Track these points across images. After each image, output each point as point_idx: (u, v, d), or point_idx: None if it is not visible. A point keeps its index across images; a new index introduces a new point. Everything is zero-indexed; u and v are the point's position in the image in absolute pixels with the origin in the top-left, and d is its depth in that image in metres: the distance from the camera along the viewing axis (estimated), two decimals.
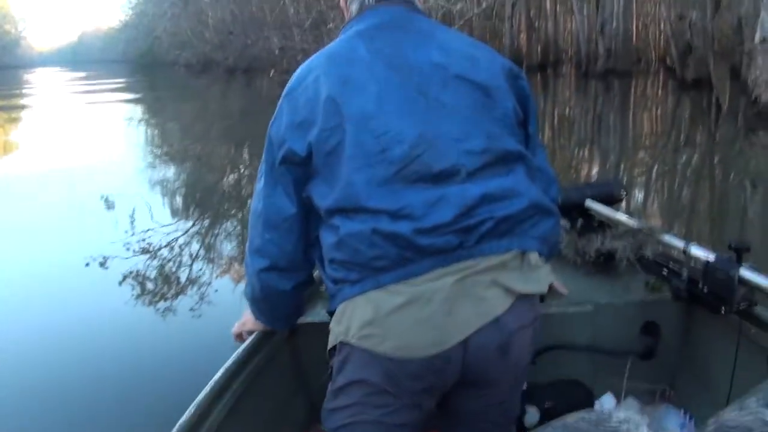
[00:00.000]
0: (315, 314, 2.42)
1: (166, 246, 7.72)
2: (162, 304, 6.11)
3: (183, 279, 6.75)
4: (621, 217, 2.77)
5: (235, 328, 2.29)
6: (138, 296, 6.30)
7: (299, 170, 1.76)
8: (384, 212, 1.63)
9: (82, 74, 63.30)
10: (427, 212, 1.62)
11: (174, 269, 7.06)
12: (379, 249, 1.62)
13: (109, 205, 9.41)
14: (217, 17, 49.88)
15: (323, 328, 1.79)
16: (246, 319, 2.24)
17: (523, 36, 39.29)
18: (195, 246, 7.83)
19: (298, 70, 1.83)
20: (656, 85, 27.00)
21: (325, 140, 1.68)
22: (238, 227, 8.57)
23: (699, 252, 2.33)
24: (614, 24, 29.51)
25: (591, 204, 2.84)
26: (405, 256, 1.62)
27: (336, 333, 1.72)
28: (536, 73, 33.70)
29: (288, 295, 1.96)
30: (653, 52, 38.12)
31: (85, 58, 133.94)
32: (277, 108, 1.82)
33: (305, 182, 1.78)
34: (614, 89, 25.65)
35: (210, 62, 51.66)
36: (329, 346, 1.75)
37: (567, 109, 20.85)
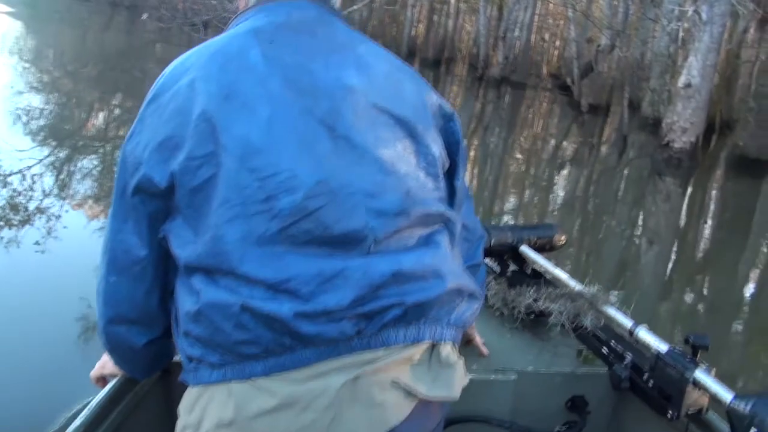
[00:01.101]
0: None
1: (17, 173, 7.53)
2: (6, 234, 5.98)
3: (32, 210, 6.62)
4: (560, 274, 2.47)
5: (94, 371, 1.83)
6: None
7: (158, 203, 1.34)
8: (260, 283, 1.25)
9: None
10: (318, 291, 1.26)
11: (23, 200, 6.89)
12: (247, 333, 1.26)
13: None
14: None
15: None
16: (105, 361, 1.79)
17: (421, 27, 38.78)
18: (48, 179, 7.66)
19: (170, 68, 1.39)
20: (550, 102, 26.78)
21: (193, 172, 1.28)
22: (97, 168, 8.53)
23: (649, 338, 2.08)
24: (516, 33, 28.93)
25: (526, 250, 2.57)
26: (283, 343, 1.26)
27: (184, 422, 1.36)
28: (430, 69, 32.93)
29: (142, 351, 1.53)
30: (546, 68, 38.04)
31: None
32: (137, 117, 1.37)
33: (164, 218, 1.36)
34: (506, 99, 25.09)
35: None
36: None
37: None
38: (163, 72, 1.40)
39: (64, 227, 6.27)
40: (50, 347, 4.23)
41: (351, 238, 1.31)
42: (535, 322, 2.44)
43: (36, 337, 4.32)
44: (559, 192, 11.47)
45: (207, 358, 1.31)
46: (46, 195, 7.09)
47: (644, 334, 2.10)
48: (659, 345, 2.03)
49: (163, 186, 1.32)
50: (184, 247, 1.33)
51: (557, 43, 41.05)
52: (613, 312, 2.27)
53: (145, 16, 22.16)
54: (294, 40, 1.41)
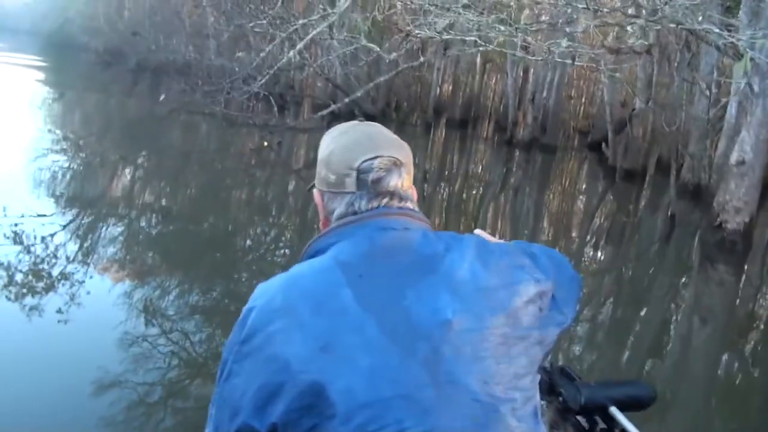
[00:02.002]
0: None
1: (40, 239, 7.58)
2: (29, 301, 5.97)
3: (54, 276, 6.64)
4: None
5: None
6: (3, 288, 6.19)
7: None
8: None
9: None
10: None
11: (46, 265, 6.91)
12: None
13: None
14: (134, 8, 48.10)
15: None
16: None
17: (446, 87, 38.30)
18: (71, 244, 7.69)
19: (258, 305, 1.41)
20: (582, 164, 25.96)
21: (294, 424, 1.30)
22: (121, 234, 8.66)
23: None
24: (544, 94, 28.15)
25: (615, 412, 2.24)
26: None
27: None
28: (456, 130, 32.63)
29: None
30: (573, 126, 37.30)
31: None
32: (230, 353, 1.40)
33: None
34: (536, 163, 24.27)
35: (120, 55, 49.50)
36: None
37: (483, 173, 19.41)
38: (251, 305, 1.41)
39: (87, 293, 6.33)
40: (70, 418, 4.34)
41: None
42: None
43: (56, 407, 4.41)
44: (601, 279, 10.54)
45: None
46: (69, 261, 7.10)
47: None
48: None
49: None
50: None
51: (583, 99, 40.41)
52: None
53: (162, 97, 21.98)
54: (383, 272, 1.41)
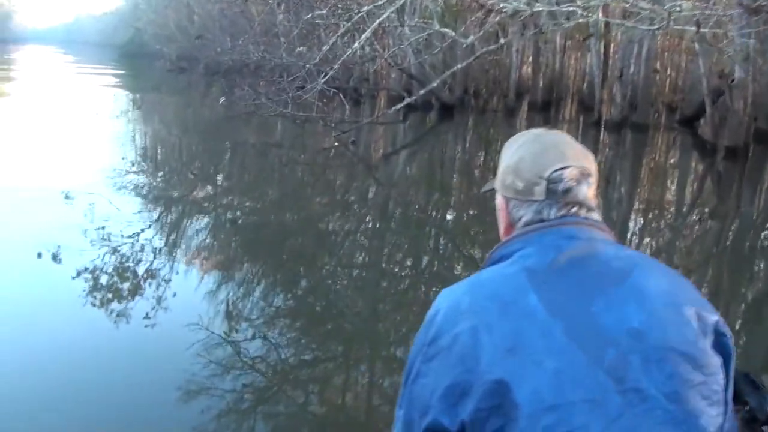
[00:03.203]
0: None
1: (126, 241, 7.78)
2: (116, 307, 6.04)
3: (140, 277, 6.79)
4: None
5: None
6: (90, 293, 6.28)
7: None
8: None
9: (71, 57, 70.75)
10: None
11: (131, 263, 7.12)
12: None
13: (70, 194, 9.63)
14: (203, 13, 48.10)
15: None
16: None
17: (525, 68, 36.96)
18: (157, 243, 7.92)
19: (443, 307, 1.47)
20: (677, 144, 24.35)
21: (482, 423, 1.33)
22: (204, 236, 8.83)
23: None
24: (632, 69, 26.48)
25: None
26: None
27: None
28: (539, 113, 31.32)
29: None
30: (662, 102, 35.40)
31: (76, 39, 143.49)
32: (418, 353, 1.46)
33: None
34: (627, 143, 22.85)
35: (194, 60, 49.70)
36: None
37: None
38: (437, 308, 1.47)
39: (174, 294, 6.44)
40: (158, 423, 4.34)
41: None
42: None
43: (144, 412, 4.44)
44: (712, 270, 9.28)
45: None
46: (154, 260, 7.28)
47: None
48: None
49: (454, 430, 1.35)
50: None
51: (669, 71, 38.45)
52: None
53: (222, 100, 21.71)
54: (569, 279, 1.41)
